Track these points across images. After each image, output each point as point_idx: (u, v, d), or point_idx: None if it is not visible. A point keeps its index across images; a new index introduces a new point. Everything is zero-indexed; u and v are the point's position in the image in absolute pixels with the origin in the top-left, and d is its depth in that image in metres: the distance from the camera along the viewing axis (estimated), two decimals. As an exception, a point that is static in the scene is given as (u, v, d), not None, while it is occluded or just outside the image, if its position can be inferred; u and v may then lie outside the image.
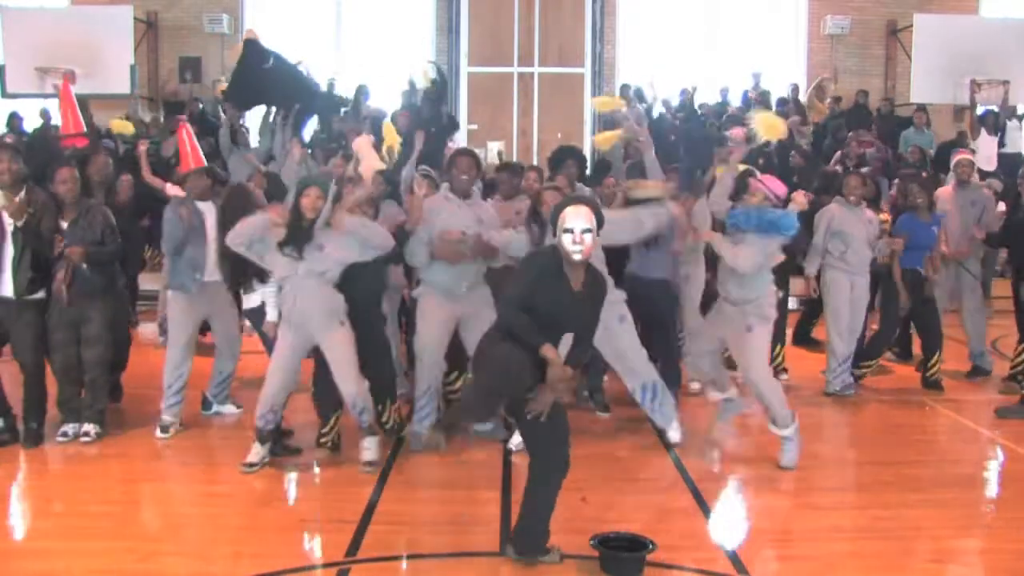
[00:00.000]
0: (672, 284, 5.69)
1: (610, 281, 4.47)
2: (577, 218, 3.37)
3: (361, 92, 11.80)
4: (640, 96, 11.99)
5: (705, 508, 4.28)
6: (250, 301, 5.06)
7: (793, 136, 11.44)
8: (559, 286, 3.40)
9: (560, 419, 3.52)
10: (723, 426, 5.15)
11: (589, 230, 3.38)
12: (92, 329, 5.08)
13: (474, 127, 13.07)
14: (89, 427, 5.11)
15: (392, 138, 7.10)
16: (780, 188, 4.75)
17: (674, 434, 5.16)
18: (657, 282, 5.54)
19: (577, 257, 3.36)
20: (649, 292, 5.43)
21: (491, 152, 12.57)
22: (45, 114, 11.88)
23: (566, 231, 3.36)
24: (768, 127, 5.11)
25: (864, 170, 7.74)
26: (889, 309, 6.41)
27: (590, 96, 13.05)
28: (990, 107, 11.44)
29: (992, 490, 4.75)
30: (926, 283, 6.31)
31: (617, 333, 4.93)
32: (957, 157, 7.11)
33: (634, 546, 3.60)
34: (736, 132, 5.99)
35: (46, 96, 11.80)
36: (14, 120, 11.78)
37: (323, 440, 4.96)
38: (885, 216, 6.82)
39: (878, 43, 13.62)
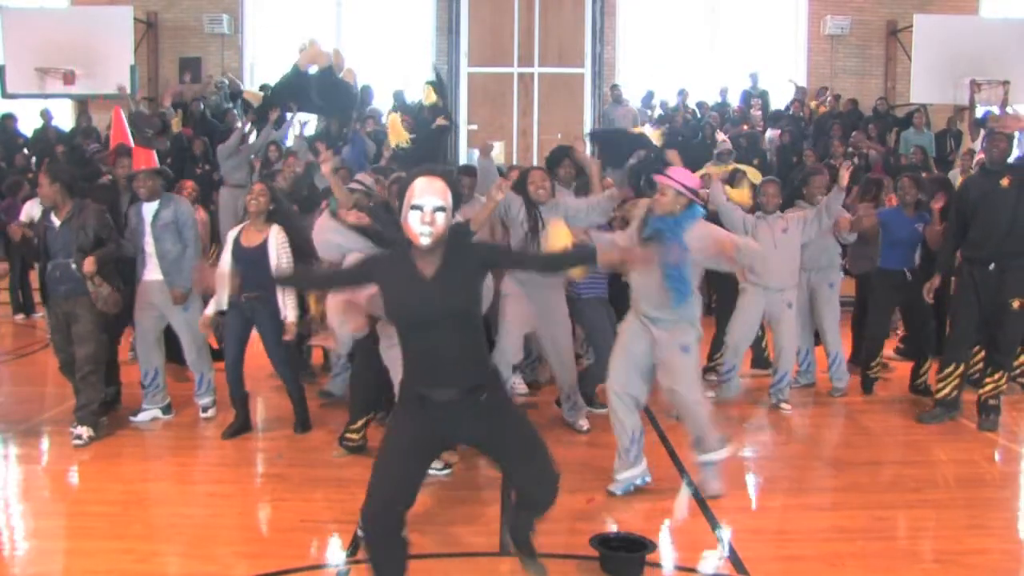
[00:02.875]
0: None
1: None
2: (429, 194, 2.77)
3: (366, 93, 11.84)
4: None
5: (705, 508, 4.28)
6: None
7: (792, 136, 11.50)
8: (405, 277, 2.83)
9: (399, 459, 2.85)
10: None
11: (442, 208, 2.77)
12: (82, 327, 5.08)
13: (474, 127, 13.07)
14: (81, 430, 5.10)
15: (399, 135, 7.10)
16: (692, 179, 4.18)
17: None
18: None
19: (425, 241, 2.76)
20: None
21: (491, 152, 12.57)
22: (46, 114, 11.90)
23: (414, 208, 2.76)
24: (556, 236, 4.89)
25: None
26: (877, 308, 6.29)
27: (590, 96, 13.05)
28: (990, 108, 11.45)
29: (992, 490, 4.74)
30: (915, 283, 6.10)
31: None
32: (979, 157, 7.06)
33: (634, 546, 3.60)
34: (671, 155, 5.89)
35: (46, 96, 11.82)
36: (8, 121, 11.78)
37: (348, 438, 4.88)
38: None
39: (878, 43, 13.61)
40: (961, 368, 5.59)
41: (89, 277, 5.02)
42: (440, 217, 2.76)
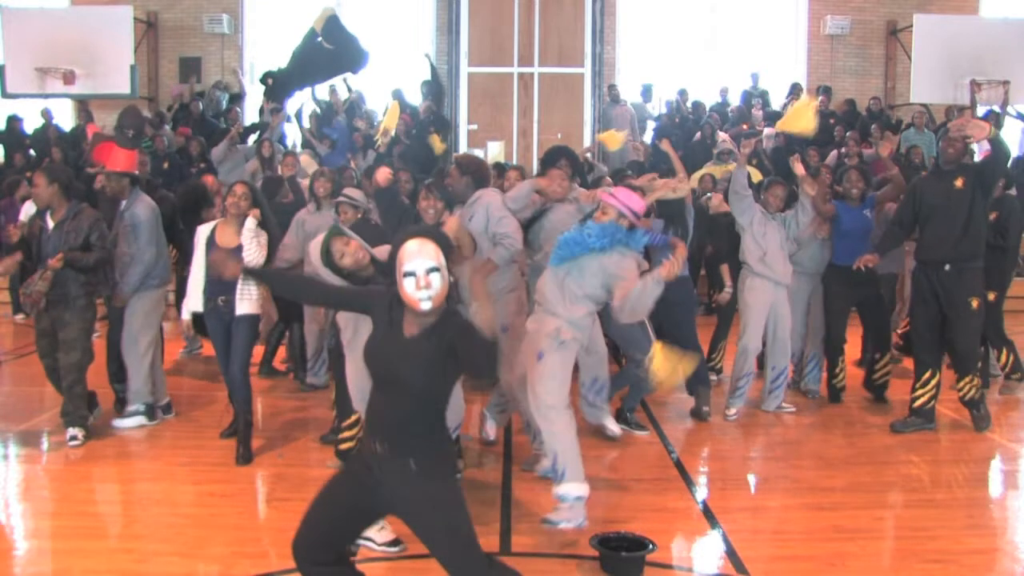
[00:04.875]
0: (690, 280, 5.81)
1: None
2: (420, 257, 2.66)
3: (358, 98, 11.90)
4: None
5: (705, 508, 4.28)
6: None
7: (786, 138, 11.52)
8: (387, 326, 2.76)
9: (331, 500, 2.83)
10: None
11: (436, 269, 2.66)
12: (68, 333, 5.02)
13: (474, 127, 13.07)
14: (76, 431, 5.09)
15: (392, 122, 7.04)
16: (637, 203, 4.04)
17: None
18: (680, 279, 5.64)
19: (426, 306, 2.65)
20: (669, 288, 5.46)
21: (491, 152, 12.60)
22: (46, 114, 11.91)
23: (408, 275, 2.65)
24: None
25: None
26: (832, 309, 6.11)
27: (590, 96, 13.05)
28: (991, 107, 11.44)
29: (992, 490, 4.75)
30: (872, 279, 6.00)
31: None
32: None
33: (634, 546, 3.61)
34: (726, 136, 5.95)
35: (46, 96, 11.82)
36: (14, 123, 11.81)
37: (341, 445, 4.71)
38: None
39: (878, 43, 13.62)
40: (937, 377, 5.48)
41: (50, 269, 4.88)
42: (436, 278, 2.66)
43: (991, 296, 5.92)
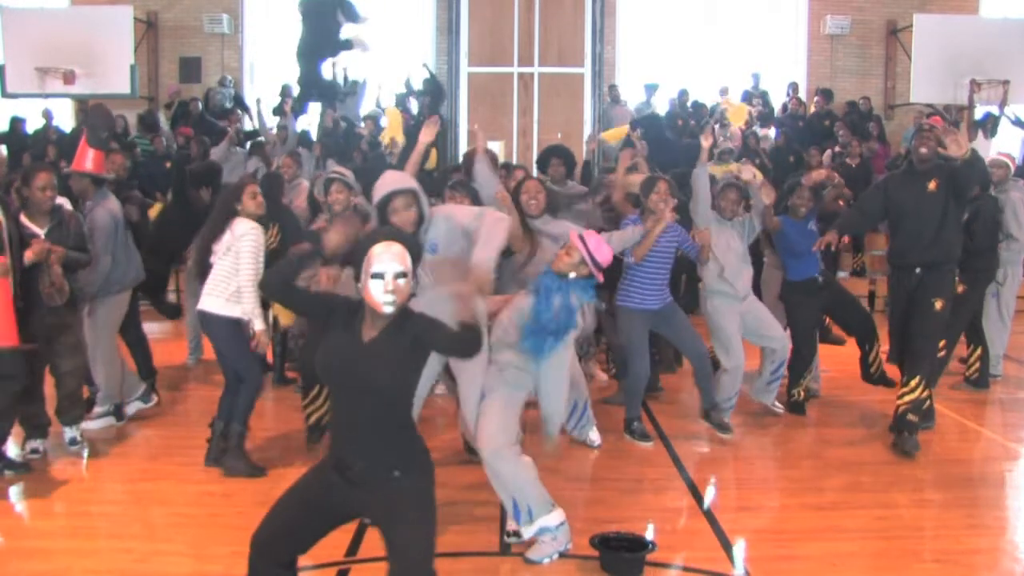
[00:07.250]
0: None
1: None
2: (388, 260, 2.69)
3: (359, 88, 11.90)
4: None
5: (705, 508, 4.28)
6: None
7: (786, 137, 11.54)
8: (347, 333, 2.74)
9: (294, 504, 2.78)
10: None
11: (404, 275, 2.70)
12: (71, 338, 4.94)
13: (474, 127, 13.08)
14: (76, 432, 5.07)
15: (397, 127, 7.08)
16: (604, 254, 3.78)
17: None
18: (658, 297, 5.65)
19: (389, 310, 2.67)
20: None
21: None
22: (47, 115, 11.91)
23: (375, 276, 2.67)
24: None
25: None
26: (799, 323, 5.90)
27: (590, 96, 13.06)
28: (989, 109, 11.44)
29: (992, 490, 4.75)
30: (830, 281, 5.95)
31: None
32: (990, 159, 6.78)
33: (634, 546, 3.61)
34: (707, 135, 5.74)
35: (46, 96, 11.82)
36: (17, 124, 11.82)
37: (310, 419, 4.79)
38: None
39: (878, 43, 13.63)
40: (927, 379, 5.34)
41: (51, 254, 4.65)
42: (402, 283, 2.69)
43: (960, 289, 5.85)
